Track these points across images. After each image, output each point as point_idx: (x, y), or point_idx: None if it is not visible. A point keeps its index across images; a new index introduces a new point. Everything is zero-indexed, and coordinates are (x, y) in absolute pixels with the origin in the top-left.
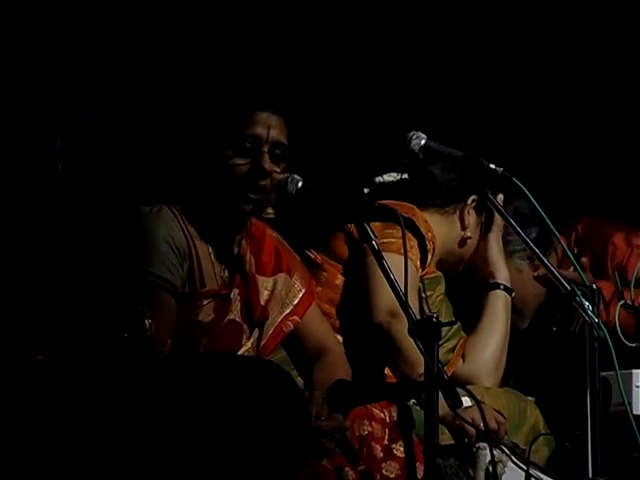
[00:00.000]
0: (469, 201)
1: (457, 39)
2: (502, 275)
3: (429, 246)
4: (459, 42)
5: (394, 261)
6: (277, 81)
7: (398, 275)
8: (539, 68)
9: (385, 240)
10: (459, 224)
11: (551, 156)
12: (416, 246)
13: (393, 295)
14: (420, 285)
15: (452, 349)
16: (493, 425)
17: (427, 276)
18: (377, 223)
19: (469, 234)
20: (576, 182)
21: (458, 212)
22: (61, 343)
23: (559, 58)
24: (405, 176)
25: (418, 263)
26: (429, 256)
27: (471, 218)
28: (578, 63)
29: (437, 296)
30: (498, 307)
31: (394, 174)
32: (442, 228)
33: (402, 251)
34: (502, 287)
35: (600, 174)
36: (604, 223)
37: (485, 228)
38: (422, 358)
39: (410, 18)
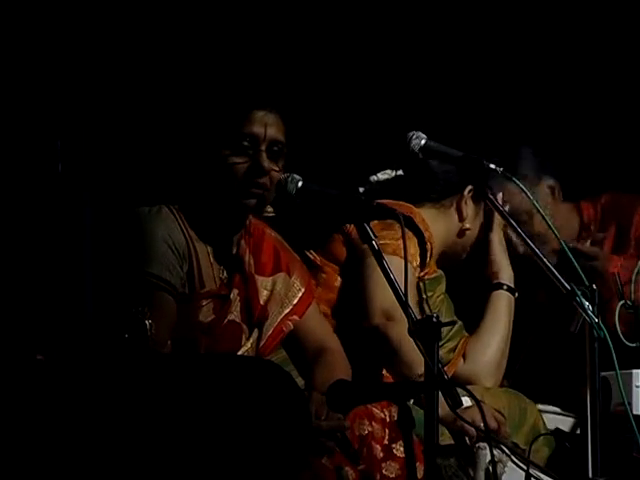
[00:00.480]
0: (466, 192)
1: (457, 38)
2: (505, 275)
3: (428, 246)
4: (459, 41)
5: (390, 263)
6: (273, 79)
7: (395, 276)
8: (538, 63)
9: (381, 242)
10: (457, 216)
11: (567, 135)
12: (414, 246)
13: (388, 296)
14: (421, 285)
15: (453, 349)
16: (493, 425)
17: (427, 276)
18: (374, 223)
19: (468, 225)
20: (598, 159)
21: (455, 204)
22: (61, 343)
23: (562, 45)
24: (400, 172)
25: (415, 264)
26: (428, 255)
27: (469, 209)
28: (581, 53)
29: (438, 296)
30: (501, 307)
31: (388, 171)
32: (440, 224)
33: (398, 253)
34: (505, 287)
35: (620, 151)
36: (629, 196)
37: (486, 228)
38: (420, 359)
39: (409, 18)
